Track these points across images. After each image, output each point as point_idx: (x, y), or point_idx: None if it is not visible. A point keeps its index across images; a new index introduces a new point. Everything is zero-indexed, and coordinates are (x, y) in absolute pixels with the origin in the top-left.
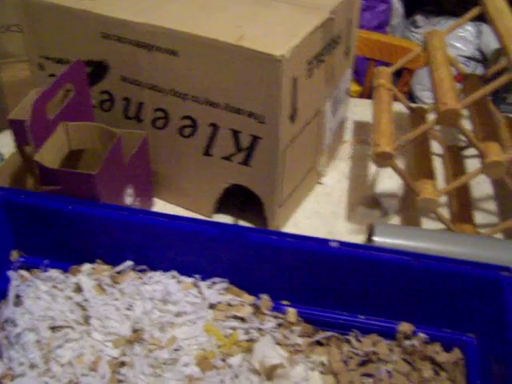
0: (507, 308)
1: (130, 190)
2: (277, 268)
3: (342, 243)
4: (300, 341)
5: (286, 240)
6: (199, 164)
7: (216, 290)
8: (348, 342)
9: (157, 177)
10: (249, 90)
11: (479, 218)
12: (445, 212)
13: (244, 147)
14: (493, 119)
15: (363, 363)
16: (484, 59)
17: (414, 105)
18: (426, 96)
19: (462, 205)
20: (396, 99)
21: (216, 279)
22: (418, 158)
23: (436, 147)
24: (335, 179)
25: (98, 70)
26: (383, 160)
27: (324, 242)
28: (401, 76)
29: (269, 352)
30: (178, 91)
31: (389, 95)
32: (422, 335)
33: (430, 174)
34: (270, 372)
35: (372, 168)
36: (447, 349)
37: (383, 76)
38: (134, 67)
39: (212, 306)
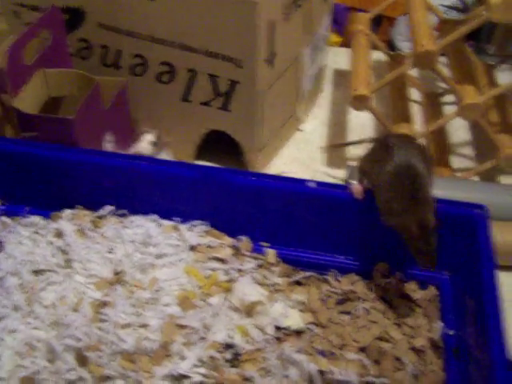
0: (480, 244)
1: (109, 137)
2: (256, 210)
3: (320, 183)
4: (279, 281)
5: (265, 181)
6: (178, 110)
7: (196, 233)
8: (327, 281)
9: (137, 124)
10: (225, 34)
11: (456, 162)
12: None
13: (222, 92)
14: (470, 64)
15: (341, 302)
16: (465, 9)
17: (393, 52)
18: (406, 46)
19: (440, 149)
20: (375, 47)
21: (196, 222)
22: (396, 102)
23: (416, 95)
24: (314, 126)
25: (74, 17)
26: (360, 103)
27: (301, 182)
28: (380, 24)
29: (248, 290)
30: (155, 37)
31: (366, 41)
32: (398, 274)
33: (406, 118)
34: (249, 309)
35: (351, 114)
36: (423, 287)
37: (361, 22)
38: (111, 13)
39: (192, 248)
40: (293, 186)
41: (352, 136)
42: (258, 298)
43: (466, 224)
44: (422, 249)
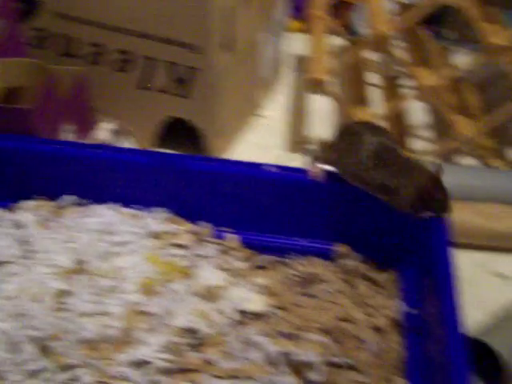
0: (435, 224)
1: (69, 127)
2: (216, 195)
3: (278, 167)
4: (241, 265)
5: (222, 166)
6: (137, 98)
7: (157, 220)
8: (288, 264)
9: (97, 113)
10: (181, 21)
11: (415, 143)
12: None
13: (181, 79)
14: (427, 48)
15: (303, 284)
16: None
17: (352, 37)
18: (365, 31)
19: (398, 132)
20: (334, 32)
21: (157, 209)
22: (354, 86)
23: (376, 78)
24: (274, 111)
25: (29, 6)
26: (316, 87)
27: (259, 166)
28: (340, 9)
29: (210, 275)
30: (111, 25)
31: (324, 26)
32: (357, 255)
33: (364, 101)
34: (211, 294)
35: (311, 99)
36: (383, 267)
37: (319, 7)
38: (66, 2)
39: (153, 236)
40: (251, 170)
41: (312, 120)
42: (220, 282)
43: None
44: (440, 198)
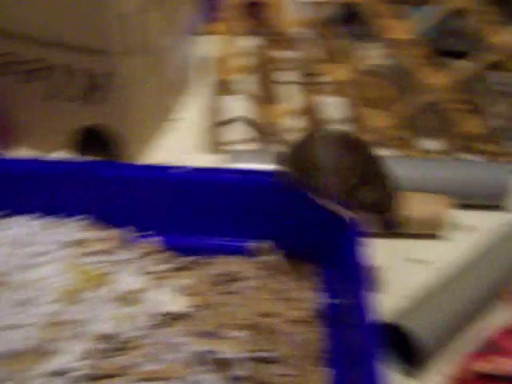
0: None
1: None
2: (137, 199)
3: (196, 168)
4: (165, 267)
5: (139, 170)
6: (48, 108)
7: (77, 228)
8: (212, 264)
9: (11, 126)
10: (87, 28)
11: None
12: None
13: (90, 86)
14: (336, 44)
15: (227, 282)
16: None
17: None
18: None
19: (314, 127)
20: (248, 32)
21: (79, 217)
22: (265, 84)
23: (291, 76)
24: (189, 114)
25: None
26: (226, 88)
27: (174, 168)
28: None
29: (132, 279)
30: (18, 33)
31: (234, 26)
32: (279, 251)
33: (274, 99)
34: (133, 297)
35: (224, 99)
36: (305, 261)
37: (230, 8)
38: None
39: (74, 244)
40: (166, 172)
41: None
42: (141, 286)
43: None
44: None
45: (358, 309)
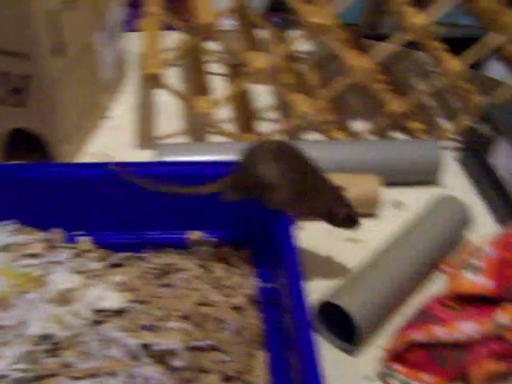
0: None
1: None
2: (63, 200)
3: (118, 164)
4: (96, 266)
5: (62, 170)
6: None
7: (5, 233)
8: (145, 259)
9: None
10: (6, 29)
11: (261, 126)
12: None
13: (15, 89)
14: (259, 33)
15: (161, 276)
16: None
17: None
18: None
19: (245, 116)
20: (171, 26)
21: (5, 222)
22: (194, 76)
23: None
24: (122, 111)
25: None
26: (152, 82)
27: (100, 165)
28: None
29: (63, 280)
30: None
31: (158, 21)
32: (211, 240)
33: (204, 91)
34: (64, 297)
35: (157, 95)
36: (237, 248)
37: (153, 3)
38: None
39: (3, 249)
40: (91, 171)
41: (160, 116)
42: (74, 285)
43: None
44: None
45: (290, 291)
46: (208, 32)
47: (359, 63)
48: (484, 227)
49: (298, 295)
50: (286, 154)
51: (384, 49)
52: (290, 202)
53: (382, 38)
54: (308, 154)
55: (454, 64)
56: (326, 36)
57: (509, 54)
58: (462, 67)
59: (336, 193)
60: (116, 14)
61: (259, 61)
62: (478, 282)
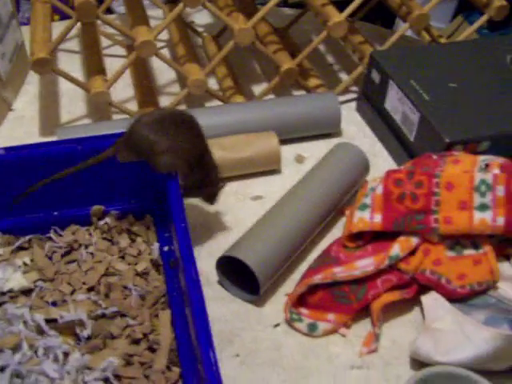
0: None
1: None
2: None
3: (8, 148)
4: (1, 251)
5: None
6: None
7: None
8: (49, 239)
9: None
10: None
11: (164, 100)
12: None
13: None
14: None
15: (66, 253)
16: None
17: None
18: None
19: (146, 93)
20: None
21: None
22: (89, 58)
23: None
24: (26, 102)
25: None
26: (42, 67)
27: None
28: None
29: None
30: None
31: (44, 8)
32: (113, 212)
33: (99, 71)
34: None
35: (61, 83)
36: (139, 217)
37: None
38: None
39: None
40: None
41: (64, 103)
42: None
43: None
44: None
45: (181, 253)
46: (85, 12)
47: (240, 26)
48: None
49: (185, 253)
50: (176, 121)
51: (265, 9)
52: (177, 167)
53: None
54: (205, 119)
55: (338, 16)
56: (210, 4)
57: (391, 2)
58: (344, 18)
59: (215, 169)
60: (6, 6)
61: (143, 34)
62: (365, 218)
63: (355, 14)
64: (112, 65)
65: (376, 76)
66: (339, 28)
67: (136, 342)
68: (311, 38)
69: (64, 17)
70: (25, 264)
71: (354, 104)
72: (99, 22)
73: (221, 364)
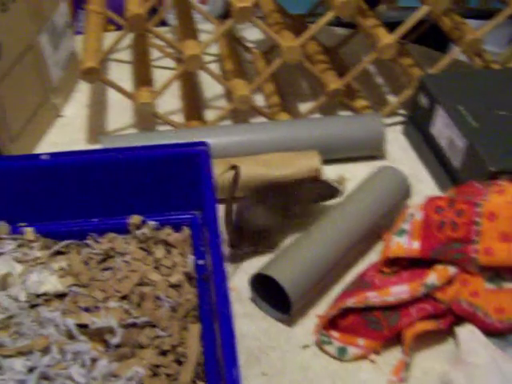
0: (203, 180)
1: None
2: (5, 193)
3: (53, 154)
4: (39, 254)
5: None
6: None
7: None
8: (87, 245)
9: None
10: None
11: (210, 114)
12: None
13: None
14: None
15: (102, 260)
16: None
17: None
18: None
19: (192, 106)
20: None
21: None
22: (138, 68)
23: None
24: (75, 109)
25: None
26: (91, 76)
27: (35, 157)
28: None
29: (3, 267)
30: None
31: (98, 17)
32: (151, 223)
33: (147, 81)
34: (3, 282)
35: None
36: (176, 229)
37: (94, 1)
38: None
39: None
40: (27, 162)
41: (112, 112)
42: (14, 271)
43: (191, 162)
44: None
45: (213, 267)
46: (136, 24)
47: (288, 43)
48: (429, 194)
49: (217, 267)
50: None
51: (315, 27)
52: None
53: None
54: (249, 135)
55: (387, 38)
56: (259, 20)
57: (444, 25)
58: (395, 40)
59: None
60: (63, 15)
61: (191, 48)
62: (403, 244)
63: (407, 37)
64: (162, 76)
65: (424, 100)
66: (388, 50)
67: (164, 353)
68: (361, 59)
69: (119, 28)
70: (61, 268)
71: (400, 127)
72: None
73: (246, 382)
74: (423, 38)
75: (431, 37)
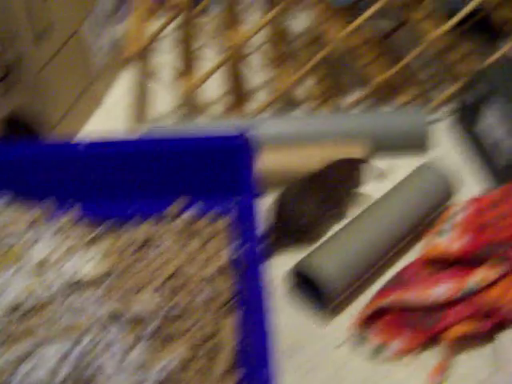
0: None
1: None
2: (55, 173)
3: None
4: (76, 239)
5: (48, 148)
6: None
7: None
8: (124, 231)
9: None
10: None
11: (252, 104)
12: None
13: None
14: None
15: (138, 248)
16: None
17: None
18: None
19: (234, 96)
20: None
21: None
22: (182, 57)
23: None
24: (117, 97)
25: None
26: (133, 63)
27: (76, 144)
28: None
29: (42, 252)
30: None
31: (143, 4)
32: (188, 214)
33: (190, 71)
34: (41, 268)
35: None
36: (213, 220)
37: None
38: None
39: None
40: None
41: (152, 99)
42: (51, 256)
43: (231, 153)
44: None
45: (251, 259)
46: (180, 12)
47: (333, 34)
48: (472, 194)
49: (255, 259)
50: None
51: (362, 18)
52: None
53: None
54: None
55: (435, 31)
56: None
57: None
58: (440, 34)
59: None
60: (109, 2)
61: (235, 37)
62: (443, 244)
63: (455, 30)
64: (205, 65)
65: (471, 96)
66: (435, 43)
67: (196, 346)
68: (408, 52)
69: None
70: (97, 257)
71: (446, 124)
72: (195, 21)
73: (280, 376)
74: (473, 30)
75: (482, 30)
